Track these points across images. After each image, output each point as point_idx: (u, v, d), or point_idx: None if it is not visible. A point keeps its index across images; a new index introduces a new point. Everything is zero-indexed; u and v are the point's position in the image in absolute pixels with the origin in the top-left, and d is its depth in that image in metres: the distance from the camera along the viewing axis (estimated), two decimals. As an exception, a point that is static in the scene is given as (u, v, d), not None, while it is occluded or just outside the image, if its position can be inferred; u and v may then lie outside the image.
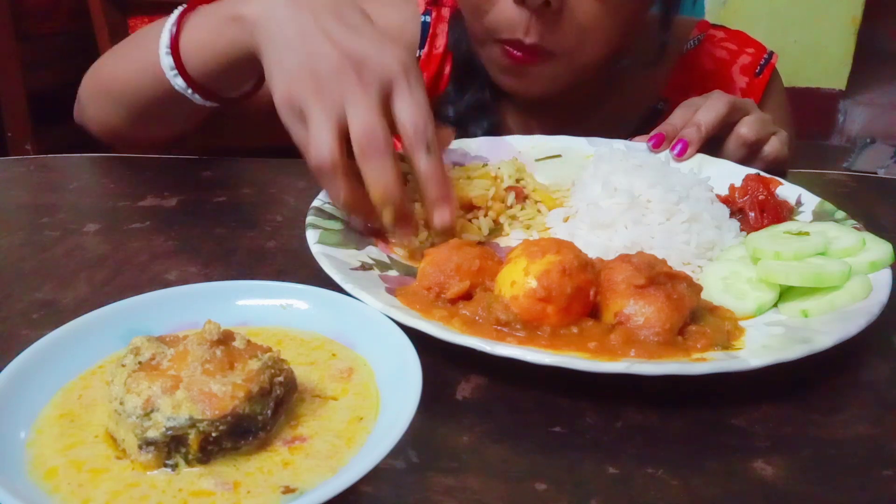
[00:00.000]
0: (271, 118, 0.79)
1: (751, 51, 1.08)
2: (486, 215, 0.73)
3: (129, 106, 0.87)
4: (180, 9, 0.79)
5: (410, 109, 0.64)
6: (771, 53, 1.08)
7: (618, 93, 1.06)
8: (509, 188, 0.75)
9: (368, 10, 1.06)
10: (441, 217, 0.66)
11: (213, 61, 0.78)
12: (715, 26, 1.11)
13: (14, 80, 2.23)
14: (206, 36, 0.77)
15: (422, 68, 0.92)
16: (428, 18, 1.05)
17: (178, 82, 0.79)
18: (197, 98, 0.81)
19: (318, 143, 0.62)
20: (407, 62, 0.65)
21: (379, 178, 0.62)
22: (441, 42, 1.04)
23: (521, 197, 0.75)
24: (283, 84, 0.65)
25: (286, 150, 0.99)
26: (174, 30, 0.78)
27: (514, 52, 0.87)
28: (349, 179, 0.64)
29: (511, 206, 0.74)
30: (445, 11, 1.05)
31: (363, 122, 0.62)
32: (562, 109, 1.01)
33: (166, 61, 0.78)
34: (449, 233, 0.67)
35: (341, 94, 0.63)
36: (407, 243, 0.67)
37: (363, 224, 0.68)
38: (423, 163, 0.65)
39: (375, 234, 0.68)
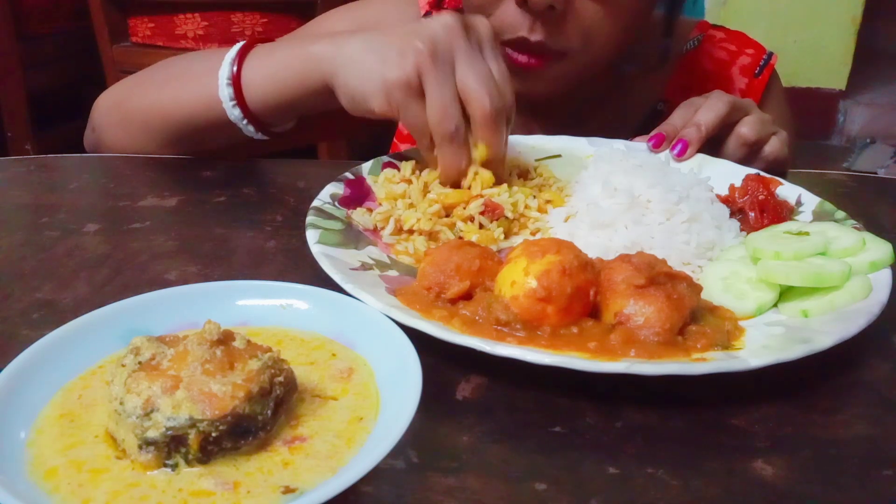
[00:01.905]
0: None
1: (750, 51, 1.08)
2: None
3: (163, 135, 0.90)
4: (239, 45, 0.83)
5: (503, 77, 0.72)
6: (770, 54, 1.08)
7: (619, 95, 1.06)
8: (486, 202, 0.72)
9: (371, 12, 1.07)
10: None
11: (279, 92, 0.81)
12: (714, 27, 1.11)
13: (14, 80, 2.23)
14: (274, 69, 0.81)
15: None
16: None
17: (236, 113, 0.82)
18: (250, 129, 0.84)
19: (451, 112, 0.68)
20: (491, 29, 0.74)
21: (500, 139, 0.71)
22: None
23: (495, 213, 0.72)
24: (393, 66, 0.69)
25: (286, 149, 0.99)
26: (235, 66, 0.81)
27: (519, 56, 0.87)
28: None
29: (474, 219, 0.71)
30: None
31: (486, 86, 0.69)
32: (563, 111, 1.01)
33: (226, 92, 0.81)
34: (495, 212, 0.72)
35: (454, 54, 0.69)
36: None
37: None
38: (500, 143, 0.72)
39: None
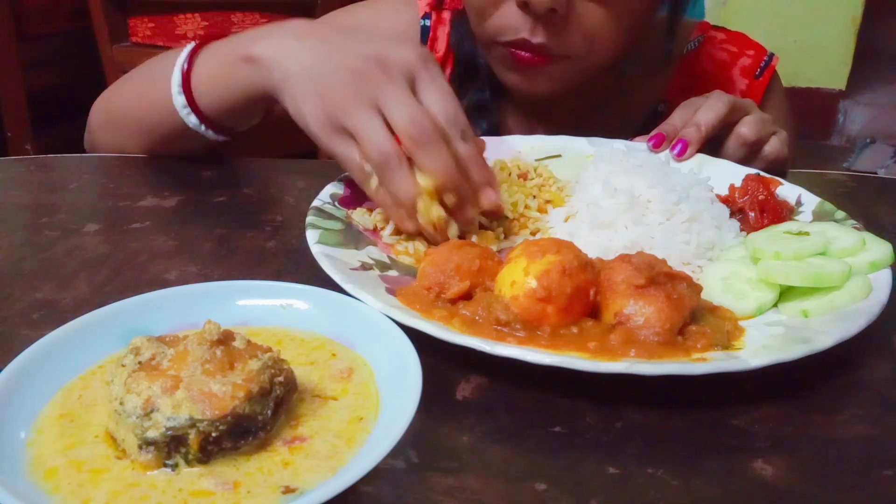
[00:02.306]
0: (280, 130, 0.82)
1: (751, 52, 1.08)
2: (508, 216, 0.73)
3: (142, 138, 0.90)
4: (191, 46, 0.81)
5: (438, 96, 0.66)
6: (771, 55, 1.08)
7: (620, 96, 1.06)
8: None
9: (368, 15, 1.06)
10: (488, 198, 0.68)
11: (226, 100, 0.79)
12: (715, 28, 1.11)
13: (14, 80, 2.23)
14: (218, 76, 0.79)
15: None
16: (427, 22, 1.05)
17: (192, 120, 0.81)
18: (210, 134, 0.83)
19: (376, 140, 0.64)
20: (423, 52, 0.68)
21: (438, 163, 0.64)
22: (441, 45, 1.04)
23: (495, 214, 0.71)
24: (315, 108, 0.67)
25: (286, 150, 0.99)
26: (185, 67, 0.79)
27: (521, 53, 0.86)
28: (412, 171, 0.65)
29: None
30: (446, 15, 1.05)
31: (405, 113, 0.64)
32: (563, 112, 1.01)
33: (179, 100, 0.80)
34: (496, 214, 0.69)
35: (374, 95, 0.65)
36: (468, 229, 0.68)
37: (410, 223, 0.67)
38: (461, 148, 0.66)
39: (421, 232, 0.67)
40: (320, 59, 0.68)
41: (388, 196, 0.66)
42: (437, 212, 0.65)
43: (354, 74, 0.65)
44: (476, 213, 0.68)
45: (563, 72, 0.89)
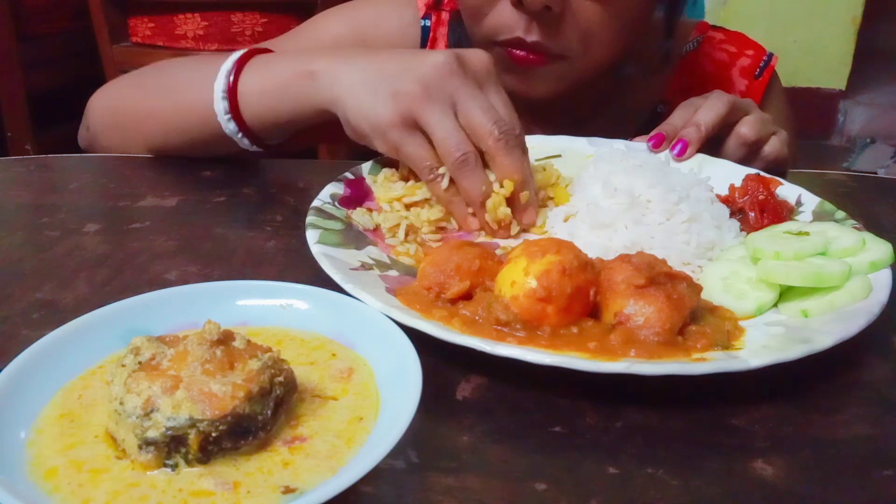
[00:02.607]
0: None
1: (750, 52, 1.08)
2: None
3: (158, 141, 0.89)
4: (237, 55, 0.81)
5: (506, 108, 0.71)
6: (770, 55, 1.08)
7: (619, 97, 1.06)
8: None
9: (369, 13, 1.06)
10: (530, 218, 0.72)
11: (274, 110, 0.79)
12: (714, 28, 1.10)
13: (14, 80, 2.23)
14: (271, 86, 0.79)
15: None
16: (428, 23, 1.05)
17: (231, 126, 0.81)
18: (245, 142, 0.83)
19: (455, 138, 0.67)
20: (490, 62, 0.72)
21: (518, 163, 0.69)
22: (441, 46, 1.04)
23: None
24: (387, 106, 0.68)
25: (286, 150, 0.99)
26: (232, 77, 0.79)
27: (517, 52, 0.86)
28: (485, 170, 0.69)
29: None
30: (445, 15, 1.05)
31: (488, 113, 0.68)
32: (562, 113, 1.00)
33: (221, 105, 0.80)
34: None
35: (451, 94, 0.68)
36: (528, 228, 0.73)
37: (475, 220, 0.71)
38: (521, 164, 0.71)
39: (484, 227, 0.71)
40: (389, 63, 0.71)
41: (455, 194, 0.70)
42: (504, 210, 0.70)
43: (435, 67, 0.68)
44: (535, 215, 0.73)
45: (559, 73, 0.88)
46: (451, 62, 0.68)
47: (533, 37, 0.84)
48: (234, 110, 0.80)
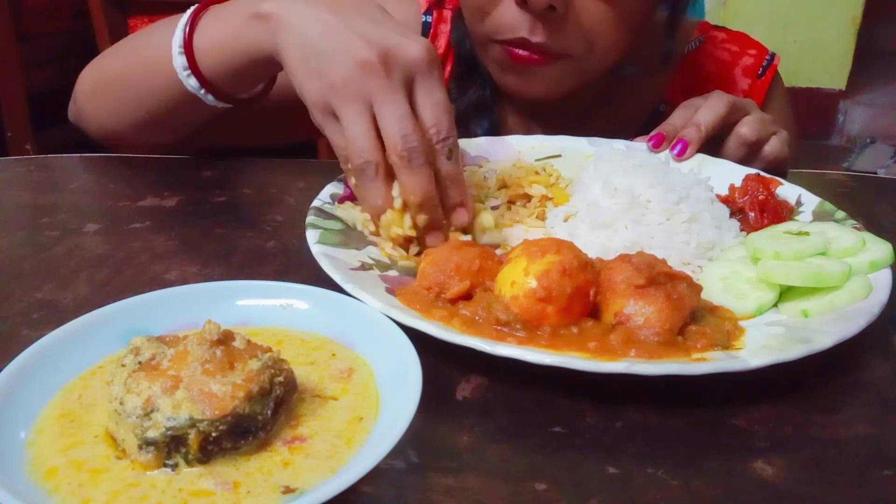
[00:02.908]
0: (276, 115, 0.80)
1: (752, 52, 1.08)
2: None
3: (134, 106, 0.86)
4: (192, 8, 0.79)
5: (434, 109, 0.65)
6: (773, 55, 1.08)
7: (620, 97, 1.05)
8: None
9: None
10: (459, 218, 0.68)
11: (229, 61, 0.77)
12: (716, 27, 1.10)
13: (14, 80, 2.23)
14: (222, 35, 0.76)
15: None
16: (429, 18, 1.05)
17: (192, 82, 0.78)
18: (209, 99, 0.80)
19: (360, 144, 0.63)
20: (431, 52, 0.66)
21: (418, 184, 0.63)
22: (442, 42, 1.04)
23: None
24: (312, 86, 0.66)
25: (286, 150, 0.99)
26: (187, 29, 0.77)
27: (519, 52, 0.85)
28: (387, 183, 0.65)
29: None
30: (447, 12, 1.05)
31: (397, 125, 0.63)
32: (563, 112, 1.00)
33: (179, 61, 0.78)
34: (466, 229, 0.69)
35: (370, 92, 0.63)
36: (432, 245, 0.66)
37: (375, 229, 0.67)
38: (445, 166, 0.66)
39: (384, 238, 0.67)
40: (328, 34, 0.66)
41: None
42: (396, 230, 0.65)
43: (357, 63, 0.63)
44: (441, 238, 0.67)
45: (560, 73, 0.88)
46: (373, 61, 0.63)
47: (537, 37, 0.83)
48: (193, 65, 0.77)
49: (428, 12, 1.05)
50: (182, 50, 0.77)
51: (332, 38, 0.66)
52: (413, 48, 0.65)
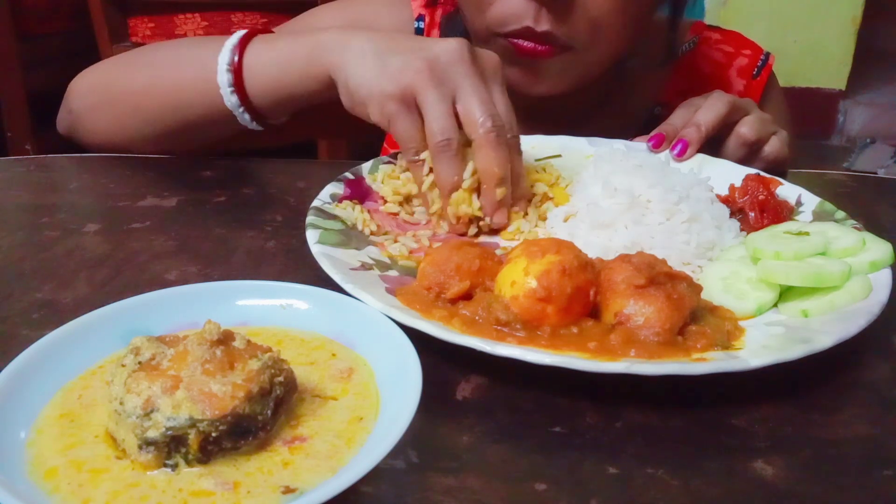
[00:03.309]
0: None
1: (747, 52, 1.07)
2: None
3: (151, 120, 0.88)
4: (240, 33, 0.81)
5: (507, 108, 0.72)
6: (767, 54, 1.07)
7: (616, 99, 1.05)
8: None
9: (363, 10, 1.06)
10: (500, 219, 0.72)
11: (278, 81, 0.80)
12: (710, 27, 1.09)
13: (14, 80, 2.22)
14: (277, 55, 0.80)
15: None
16: (421, 24, 1.04)
17: (233, 99, 0.81)
18: (246, 118, 0.82)
19: (444, 122, 0.68)
20: (500, 64, 0.74)
21: (504, 158, 0.69)
22: None
23: None
24: (390, 78, 0.70)
25: (286, 150, 0.99)
26: (238, 53, 0.80)
27: (524, 43, 0.84)
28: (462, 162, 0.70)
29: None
30: (438, 15, 1.04)
31: (483, 107, 0.69)
32: (559, 114, 0.98)
33: (225, 78, 0.80)
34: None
35: (455, 81, 0.69)
36: (498, 223, 0.72)
37: (436, 207, 0.72)
38: (514, 160, 0.72)
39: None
40: (399, 43, 0.72)
41: (426, 176, 0.71)
42: (466, 208, 0.70)
43: (442, 57, 0.69)
44: (507, 218, 0.72)
45: (564, 66, 0.87)
46: (462, 50, 0.70)
47: (543, 26, 0.82)
48: (238, 83, 0.80)
49: (419, 18, 1.04)
50: (230, 67, 0.80)
51: (407, 42, 0.73)
52: (491, 54, 0.73)
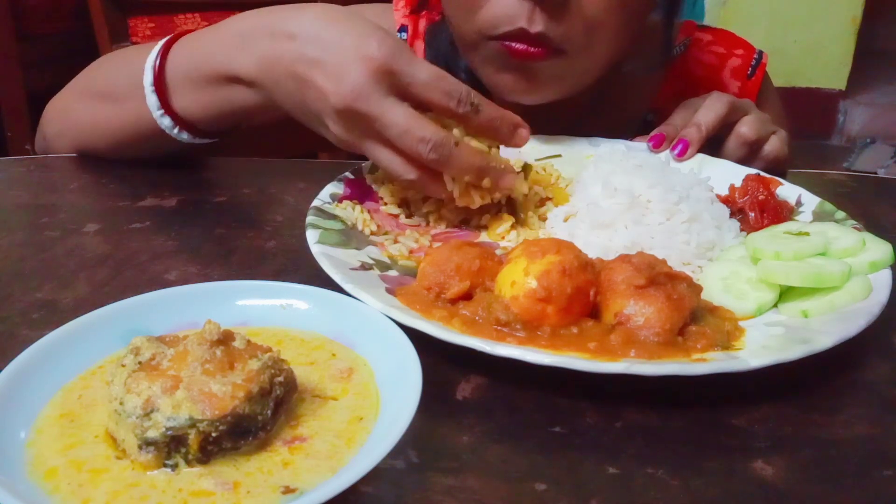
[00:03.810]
0: (277, 130, 0.83)
1: (740, 52, 1.05)
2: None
3: (116, 148, 0.87)
4: (160, 44, 0.78)
5: (429, 86, 0.66)
6: (761, 53, 1.06)
7: (608, 106, 1.01)
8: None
9: None
10: (521, 137, 0.71)
11: (210, 115, 0.78)
12: (700, 28, 1.07)
13: (14, 80, 2.23)
14: (199, 94, 0.76)
15: None
16: (405, 35, 1.02)
17: (165, 122, 0.79)
18: (183, 137, 0.80)
19: (416, 136, 0.64)
20: (384, 45, 0.65)
21: (462, 169, 0.67)
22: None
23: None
24: (330, 127, 0.68)
25: (286, 150, 0.99)
26: (157, 64, 0.77)
27: (517, 45, 0.81)
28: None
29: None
30: (422, 25, 1.01)
31: (407, 141, 0.64)
32: (552, 121, 0.93)
33: (152, 100, 0.77)
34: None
35: (365, 128, 0.66)
36: (507, 186, 0.71)
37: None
38: (479, 119, 0.68)
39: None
40: (301, 78, 0.67)
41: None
42: (479, 200, 0.71)
43: (333, 112, 0.66)
44: (511, 178, 0.70)
45: (558, 72, 0.84)
46: (345, 105, 0.65)
47: (537, 27, 0.78)
48: (165, 104, 0.77)
49: (402, 29, 1.02)
50: (153, 88, 0.77)
51: (295, 96, 0.69)
52: (364, 60, 0.64)
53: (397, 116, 0.64)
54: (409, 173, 0.67)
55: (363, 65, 0.64)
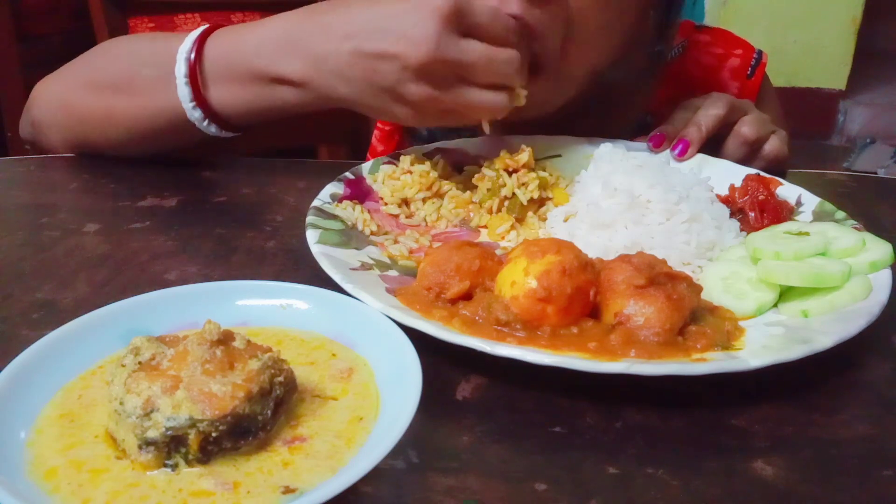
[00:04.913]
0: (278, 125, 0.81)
1: (738, 52, 1.04)
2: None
3: (128, 141, 0.85)
4: (196, 33, 0.77)
5: (491, 18, 0.69)
6: (760, 53, 1.05)
7: (605, 109, 1.00)
8: None
9: None
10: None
11: (248, 111, 0.78)
12: (698, 28, 1.06)
13: (14, 80, 2.22)
14: (240, 90, 0.76)
15: None
16: None
17: (196, 114, 0.78)
18: (212, 129, 0.80)
19: (499, 53, 0.68)
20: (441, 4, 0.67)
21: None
22: None
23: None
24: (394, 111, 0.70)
25: (286, 150, 0.99)
26: (192, 58, 0.76)
27: None
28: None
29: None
30: None
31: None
32: (548, 126, 0.89)
33: (185, 91, 0.76)
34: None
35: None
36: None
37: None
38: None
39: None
40: (360, 60, 0.69)
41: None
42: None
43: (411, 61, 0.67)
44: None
45: (545, 86, 0.78)
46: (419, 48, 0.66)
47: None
48: (198, 96, 0.76)
49: None
50: (187, 80, 0.76)
51: (360, 80, 0.70)
52: (432, 12, 0.66)
53: (476, 53, 0.67)
54: (504, 99, 0.70)
55: (433, 15, 0.66)
